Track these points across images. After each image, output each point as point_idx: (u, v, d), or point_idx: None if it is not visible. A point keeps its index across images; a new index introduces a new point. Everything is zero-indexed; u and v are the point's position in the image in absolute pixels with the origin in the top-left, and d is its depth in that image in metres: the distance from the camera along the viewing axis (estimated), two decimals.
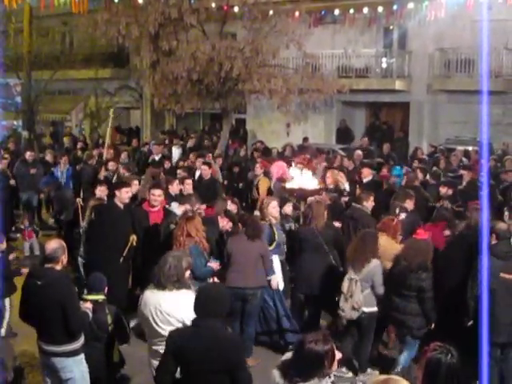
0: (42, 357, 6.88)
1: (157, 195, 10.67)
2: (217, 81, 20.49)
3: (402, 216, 10.27)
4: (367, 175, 13.61)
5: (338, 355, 4.84)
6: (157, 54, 21.39)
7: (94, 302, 7.34)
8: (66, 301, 6.56)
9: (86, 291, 7.53)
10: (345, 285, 8.70)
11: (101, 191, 11.89)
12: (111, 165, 15.54)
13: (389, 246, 9.20)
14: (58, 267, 6.73)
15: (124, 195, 10.38)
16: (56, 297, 6.52)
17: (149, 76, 22.24)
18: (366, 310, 8.67)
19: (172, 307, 6.16)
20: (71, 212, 13.94)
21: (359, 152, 18.88)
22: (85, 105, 31.40)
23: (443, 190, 12.75)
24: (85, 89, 30.91)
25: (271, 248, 9.75)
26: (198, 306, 5.47)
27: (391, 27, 26.33)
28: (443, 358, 4.56)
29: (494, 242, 8.23)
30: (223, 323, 5.61)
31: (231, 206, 11.58)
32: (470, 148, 19.91)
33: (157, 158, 18.44)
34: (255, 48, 19.98)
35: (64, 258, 6.80)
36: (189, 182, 12.88)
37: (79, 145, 21.94)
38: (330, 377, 4.78)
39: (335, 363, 4.82)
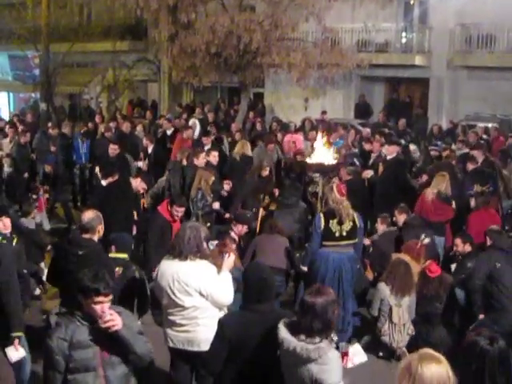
0: None
1: (180, 211, 10.26)
2: (235, 54, 20.37)
3: (427, 241, 10.06)
4: (392, 152, 13.36)
5: None
6: (175, 26, 21.27)
7: (122, 260, 7.49)
8: None
9: (113, 248, 7.61)
10: (394, 314, 8.48)
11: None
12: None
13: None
14: (95, 238, 6.75)
15: None
16: None
17: (167, 49, 22.09)
18: None
19: (190, 277, 6.13)
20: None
21: (368, 130, 18.80)
22: (102, 77, 31.28)
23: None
24: (103, 61, 30.81)
25: None
26: (254, 292, 5.36)
27: (412, 2, 26.05)
28: (482, 341, 4.49)
29: (489, 242, 8.31)
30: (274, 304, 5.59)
31: None
32: (490, 125, 19.71)
33: (169, 132, 18.21)
34: (274, 21, 19.82)
35: (101, 229, 6.84)
36: (215, 153, 13.01)
37: (97, 118, 21.88)
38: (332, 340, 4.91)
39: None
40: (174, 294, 6.17)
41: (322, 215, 8.75)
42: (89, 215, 6.85)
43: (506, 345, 4.52)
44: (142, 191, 11.04)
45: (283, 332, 4.90)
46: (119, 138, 16.97)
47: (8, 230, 8.18)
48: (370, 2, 23.83)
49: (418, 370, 3.76)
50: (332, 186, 8.99)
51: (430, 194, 11.24)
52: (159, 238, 9.72)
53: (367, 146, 15.39)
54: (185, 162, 12.75)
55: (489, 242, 8.37)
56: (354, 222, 8.70)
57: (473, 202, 10.73)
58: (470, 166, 12.83)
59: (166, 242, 9.39)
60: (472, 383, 4.38)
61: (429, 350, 4.01)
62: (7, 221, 8.12)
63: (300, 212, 11.36)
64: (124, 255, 7.62)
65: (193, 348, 6.25)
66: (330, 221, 8.62)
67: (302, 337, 4.81)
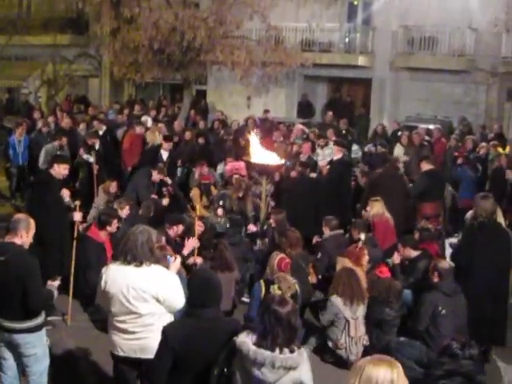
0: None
1: (116, 222, 10.25)
2: (178, 50, 20.14)
3: (362, 237, 9.95)
4: (337, 153, 13.34)
5: None
6: (117, 21, 20.87)
7: None
8: (28, 278, 6.40)
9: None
10: (352, 328, 8.42)
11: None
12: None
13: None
14: (17, 241, 6.53)
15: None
16: (18, 273, 6.36)
17: (109, 44, 21.71)
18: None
19: (147, 283, 5.91)
20: None
21: (300, 126, 18.88)
22: (42, 72, 30.59)
23: None
24: (42, 55, 30.13)
25: None
26: (198, 296, 5.24)
27: (356, 2, 26.18)
28: (454, 345, 4.57)
29: (436, 280, 8.32)
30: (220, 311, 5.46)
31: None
32: (431, 126, 19.89)
33: (101, 132, 17.35)
34: (219, 18, 19.68)
35: (24, 234, 6.59)
36: None
37: (35, 113, 21.31)
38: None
39: None
40: (128, 301, 5.91)
41: (262, 282, 8.55)
42: (18, 216, 6.77)
43: (479, 353, 4.60)
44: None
45: (253, 347, 4.75)
46: (58, 134, 16.56)
47: None
48: (314, 2, 23.95)
49: (366, 370, 3.83)
50: (275, 259, 8.78)
51: (387, 219, 11.14)
52: (96, 262, 9.47)
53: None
54: (122, 213, 11.31)
55: (436, 279, 8.32)
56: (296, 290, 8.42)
57: (417, 236, 10.63)
58: None
59: (102, 264, 8.99)
60: None
61: (383, 355, 4.08)
62: None
63: (242, 250, 11.21)
64: None
65: (146, 356, 5.93)
66: (271, 286, 8.27)
67: (278, 347, 4.74)
